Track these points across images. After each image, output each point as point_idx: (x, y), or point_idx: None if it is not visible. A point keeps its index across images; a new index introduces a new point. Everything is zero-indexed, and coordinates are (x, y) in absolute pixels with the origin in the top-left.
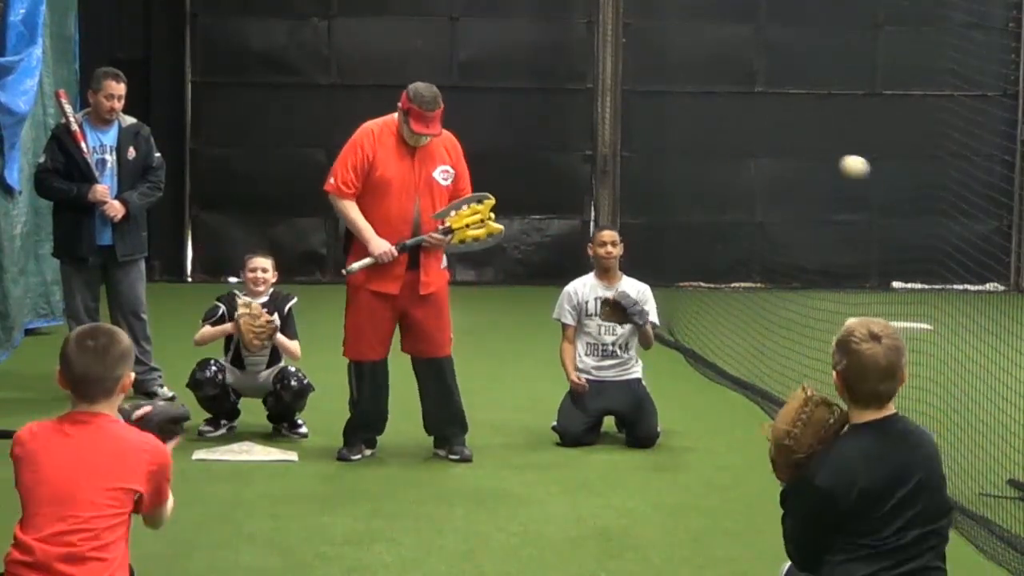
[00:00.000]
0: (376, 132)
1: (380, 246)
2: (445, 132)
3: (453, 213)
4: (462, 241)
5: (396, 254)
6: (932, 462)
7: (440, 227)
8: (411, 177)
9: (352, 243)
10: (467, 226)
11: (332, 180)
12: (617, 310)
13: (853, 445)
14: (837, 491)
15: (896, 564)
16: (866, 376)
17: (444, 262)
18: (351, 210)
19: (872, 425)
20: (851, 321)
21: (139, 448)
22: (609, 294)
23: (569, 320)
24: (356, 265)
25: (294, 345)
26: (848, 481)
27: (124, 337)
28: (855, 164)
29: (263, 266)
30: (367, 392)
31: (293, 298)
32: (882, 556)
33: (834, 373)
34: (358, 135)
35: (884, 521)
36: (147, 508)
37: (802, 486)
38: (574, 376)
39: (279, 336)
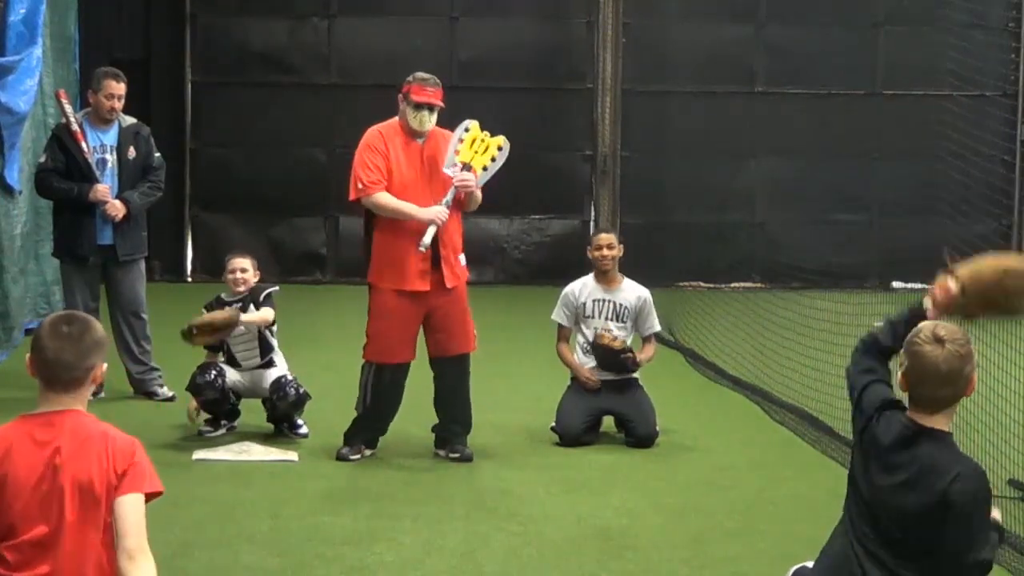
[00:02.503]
0: (384, 132)
1: (431, 211)
2: (448, 132)
3: (456, 157)
4: (484, 168)
5: (447, 212)
6: (908, 496)
7: (458, 170)
8: (423, 176)
9: (371, 245)
10: (476, 154)
11: (359, 185)
12: (606, 356)
13: (886, 423)
14: (869, 406)
15: (861, 555)
16: (924, 379)
17: (463, 257)
18: (387, 199)
19: (910, 423)
20: (924, 323)
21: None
22: (608, 296)
23: (564, 322)
24: (427, 238)
25: (260, 313)
26: (872, 413)
27: (99, 327)
28: None
29: (242, 267)
30: (383, 395)
31: (272, 287)
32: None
33: (899, 374)
34: (368, 138)
35: (859, 513)
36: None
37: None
38: (585, 372)
39: (243, 316)
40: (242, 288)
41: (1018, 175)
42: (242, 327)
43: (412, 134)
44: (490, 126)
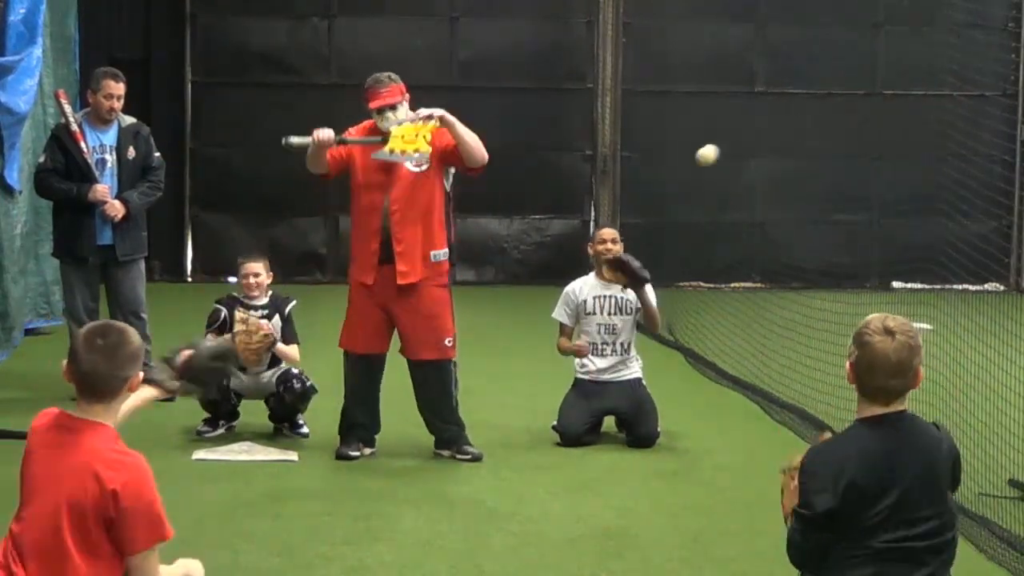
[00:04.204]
0: (358, 130)
1: (320, 130)
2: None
3: (399, 124)
4: (392, 151)
5: (332, 135)
6: (935, 466)
7: (379, 137)
8: (382, 167)
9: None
10: (402, 137)
11: None
12: (622, 270)
13: (851, 437)
14: (827, 476)
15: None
16: (874, 370)
17: (443, 253)
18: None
19: (876, 420)
20: (871, 315)
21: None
22: (608, 292)
23: (566, 320)
24: (295, 139)
25: (293, 350)
26: (837, 472)
27: (135, 337)
28: (707, 153)
29: (255, 271)
30: (353, 384)
31: (293, 301)
32: (887, 560)
33: (847, 364)
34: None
35: (882, 524)
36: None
37: (800, 473)
38: (576, 343)
39: (279, 345)
40: (256, 292)
41: (1018, 175)
42: (262, 358)
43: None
44: (490, 126)
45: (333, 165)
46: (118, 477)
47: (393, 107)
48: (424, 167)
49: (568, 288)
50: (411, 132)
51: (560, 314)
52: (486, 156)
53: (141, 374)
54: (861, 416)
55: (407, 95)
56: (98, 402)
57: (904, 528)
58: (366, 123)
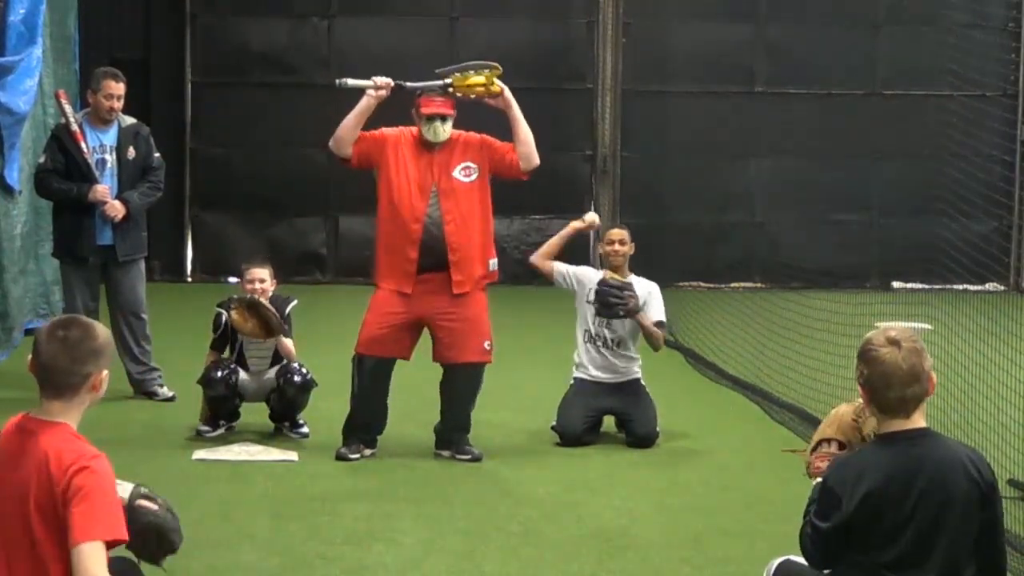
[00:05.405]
0: (394, 134)
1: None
2: (468, 135)
3: (458, 74)
4: (465, 87)
5: (391, 83)
6: (950, 486)
7: (441, 82)
8: (426, 177)
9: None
10: (468, 86)
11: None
12: (603, 304)
13: (872, 450)
14: (843, 491)
15: None
16: (890, 382)
17: (496, 261)
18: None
19: (897, 436)
20: (869, 333)
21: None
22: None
23: (563, 269)
24: (351, 80)
25: (290, 344)
26: (854, 480)
27: (101, 333)
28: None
29: (260, 277)
30: (361, 388)
31: (293, 300)
32: None
33: (859, 388)
34: (392, 129)
35: (894, 543)
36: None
37: (820, 485)
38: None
39: (281, 338)
40: (260, 298)
41: (1018, 175)
42: (270, 342)
43: (427, 145)
44: (490, 126)
45: (360, 153)
46: (72, 469)
47: (444, 118)
48: (474, 177)
49: (585, 268)
50: (477, 79)
51: (565, 265)
52: (538, 158)
53: (105, 372)
54: (883, 431)
55: (455, 112)
56: (57, 398)
57: (917, 549)
58: (413, 129)
